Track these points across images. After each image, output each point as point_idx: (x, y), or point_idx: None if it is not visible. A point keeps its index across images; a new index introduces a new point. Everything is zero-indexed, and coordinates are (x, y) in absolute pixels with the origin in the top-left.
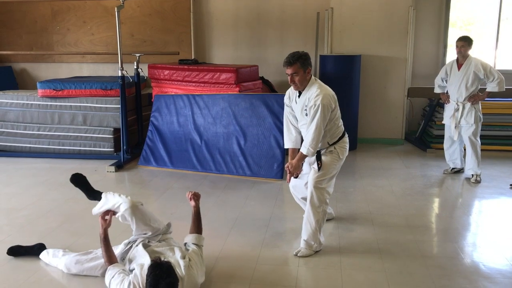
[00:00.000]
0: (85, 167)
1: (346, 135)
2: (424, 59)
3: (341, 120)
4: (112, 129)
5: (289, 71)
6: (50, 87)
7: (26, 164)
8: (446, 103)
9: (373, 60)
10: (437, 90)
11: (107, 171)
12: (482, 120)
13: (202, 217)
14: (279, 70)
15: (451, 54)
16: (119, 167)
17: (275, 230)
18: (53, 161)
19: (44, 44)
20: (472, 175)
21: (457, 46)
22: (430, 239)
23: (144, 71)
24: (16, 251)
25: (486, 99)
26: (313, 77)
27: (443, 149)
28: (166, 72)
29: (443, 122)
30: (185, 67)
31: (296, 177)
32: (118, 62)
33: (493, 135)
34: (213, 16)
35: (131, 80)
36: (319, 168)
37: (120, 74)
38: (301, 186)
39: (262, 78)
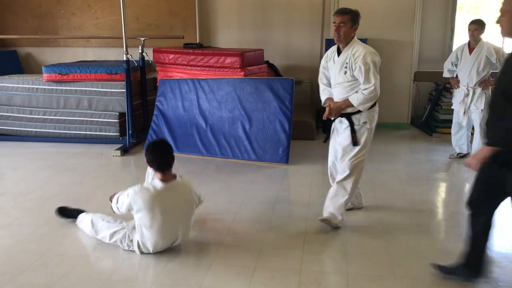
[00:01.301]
0: (91, 151)
1: (377, 105)
2: (431, 43)
3: None
4: (118, 114)
5: (338, 19)
6: (56, 72)
7: (32, 148)
8: (456, 88)
9: (380, 44)
10: (446, 75)
11: (113, 155)
12: None
13: (208, 200)
14: (285, 54)
15: (459, 38)
16: (124, 151)
17: (280, 214)
18: (59, 145)
19: (49, 28)
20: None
21: (469, 30)
22: (435, 224)
23: (149, 55)
24: (63, 211)
25: None
26: (355, 37)
27: (449, 133)
28: (171, 56)
29: (452, 107)
30: (190, 51)
31: (331, 118)
32: (123, 46)
33: None
34: None
35: (136, 64)
36: (354, 143)
37: (125, 58)
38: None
39: (267, 62)
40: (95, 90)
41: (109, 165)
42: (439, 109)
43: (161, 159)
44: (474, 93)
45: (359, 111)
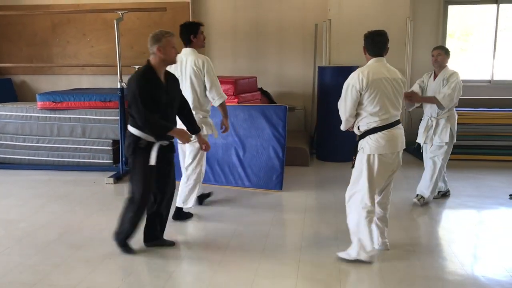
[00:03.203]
0: (84, 179)
1: (383, 133)
2: (422, 70)
3: (376, 113)
4: (111, 141)
5: None
6: (50, 99)
7: (25, 176)
8: (407, 102)
9: None
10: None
11: (106, 183)
12: (455, 140)
13: (201, 229)
14: (278, 81)
15: (449, 65)
16: (118, 178)
17: (274, 241)
18: (52, 173)
19: (44, 57)
20: (418, 194)
21: (432, 55)
22: (429, 250)
23: None
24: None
25: (486, 109)
26: (374, 59)
27: None
28: None
29: (417, 140)
30: None
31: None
32: (117, 74)
33: (492, 145)
34: (212, 28)
35: None
36: (352, 165)
37: (119, 86)
38: None
39: (261, 89)
40: (88, 118)
41: (102, 192)
42: None
43: None
44: (437, 124)
45: (361, 136)
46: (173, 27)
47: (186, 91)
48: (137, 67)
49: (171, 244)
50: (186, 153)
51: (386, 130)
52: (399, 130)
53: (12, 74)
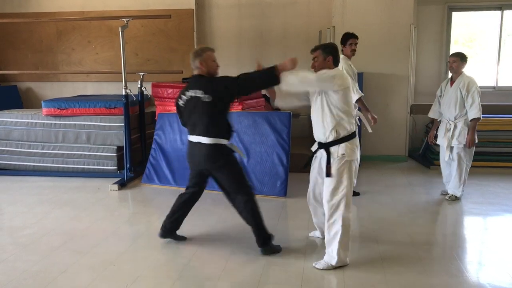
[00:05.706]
0: (89, 185)
1: (356, 139)
2: (426, 76)
3: (351, 120)
4: (116, 148)
5: (312, 55)
6: (55, 106)
7: (30, 183)
8: (429, 142)
9: (376, 77)
10: (430, 114)
11: (110, 190)
12: (476, 141)
13: (203, 234)
14: None
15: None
16: (122, 185)
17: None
18: (57, 180)
19: (49, 64)
20: (451, 195)
21: (448, 62)
22: (434, 257)
23: (148, 90)
24: None
25: (490, 115)
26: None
27: None
28: (170, 90)
29: (437, 142)
30: None
31: None
32: (122, 81)
33: (497, 151)
34: (216, 35)
35: (135, 98)
36: (328, 174)
37: (124, 93)
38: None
39: (265, 95)
40: (93, 124)
41: (106, 199)
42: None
43: None
44: (455, 127)
45: (337, 143)
46: (178, 34)
47: None
48: (142, 73)
49: (182, 238)
50: None
51: (355, 136)
52: None
53: (18, 81)
